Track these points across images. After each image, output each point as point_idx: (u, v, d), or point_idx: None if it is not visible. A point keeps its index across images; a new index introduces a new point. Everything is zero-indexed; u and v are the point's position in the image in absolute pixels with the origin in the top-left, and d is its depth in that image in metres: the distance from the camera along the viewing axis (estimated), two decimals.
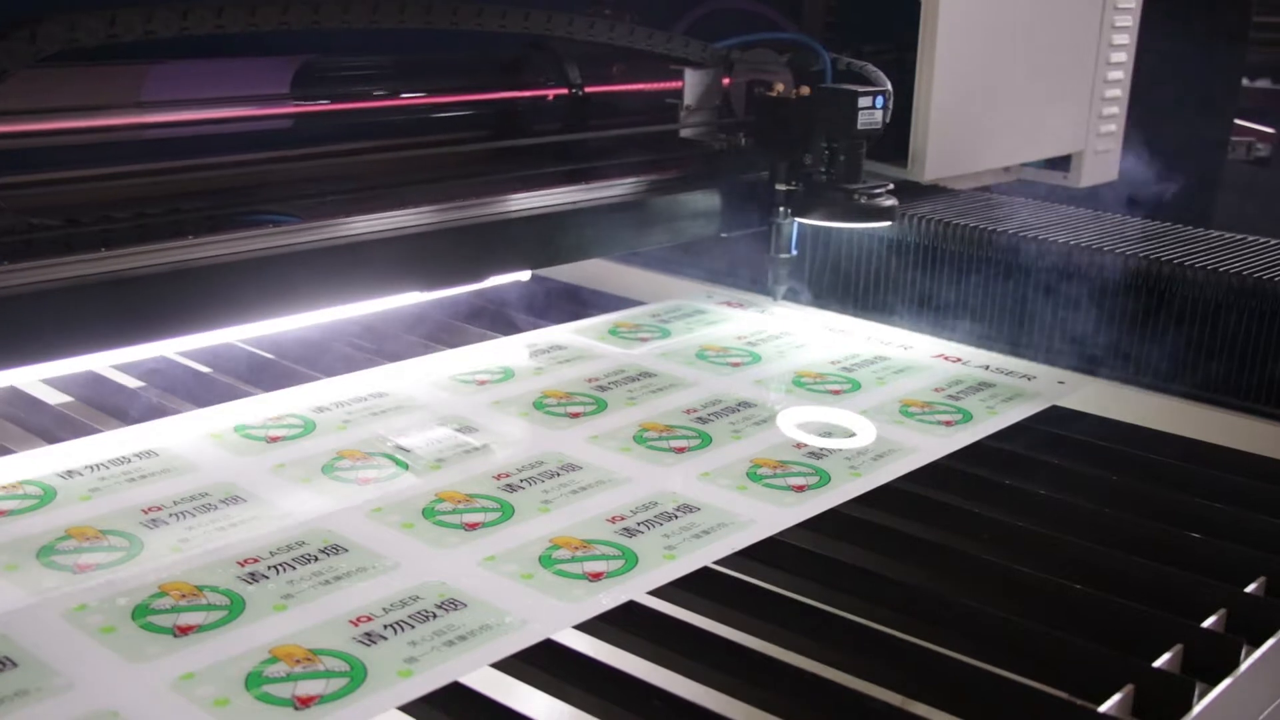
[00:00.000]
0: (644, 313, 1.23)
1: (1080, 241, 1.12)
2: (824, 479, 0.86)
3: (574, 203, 1.06)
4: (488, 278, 1.05)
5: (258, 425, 0.91)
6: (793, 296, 1.25)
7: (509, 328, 1.20)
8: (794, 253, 1.22)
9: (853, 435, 0.93)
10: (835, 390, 1.03)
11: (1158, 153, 1.54)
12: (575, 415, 0.96)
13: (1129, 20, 1.50)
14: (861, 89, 1.13)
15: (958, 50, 1.27)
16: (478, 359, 1.07)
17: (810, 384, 1.04)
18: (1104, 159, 1.54)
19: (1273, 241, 1.15)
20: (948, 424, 0.97)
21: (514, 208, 1.02)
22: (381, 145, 1.09)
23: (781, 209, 1.19)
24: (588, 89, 1.18)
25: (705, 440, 0.92)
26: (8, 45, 0.76)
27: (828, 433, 0.93)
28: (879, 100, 1.13)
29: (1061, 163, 1.50)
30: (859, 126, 1.13)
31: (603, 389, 1.01)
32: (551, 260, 1.12)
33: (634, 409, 0.97)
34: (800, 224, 1.19)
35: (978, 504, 0.85)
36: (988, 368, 1.10)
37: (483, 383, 1.02)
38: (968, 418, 0.98)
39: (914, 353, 1.13)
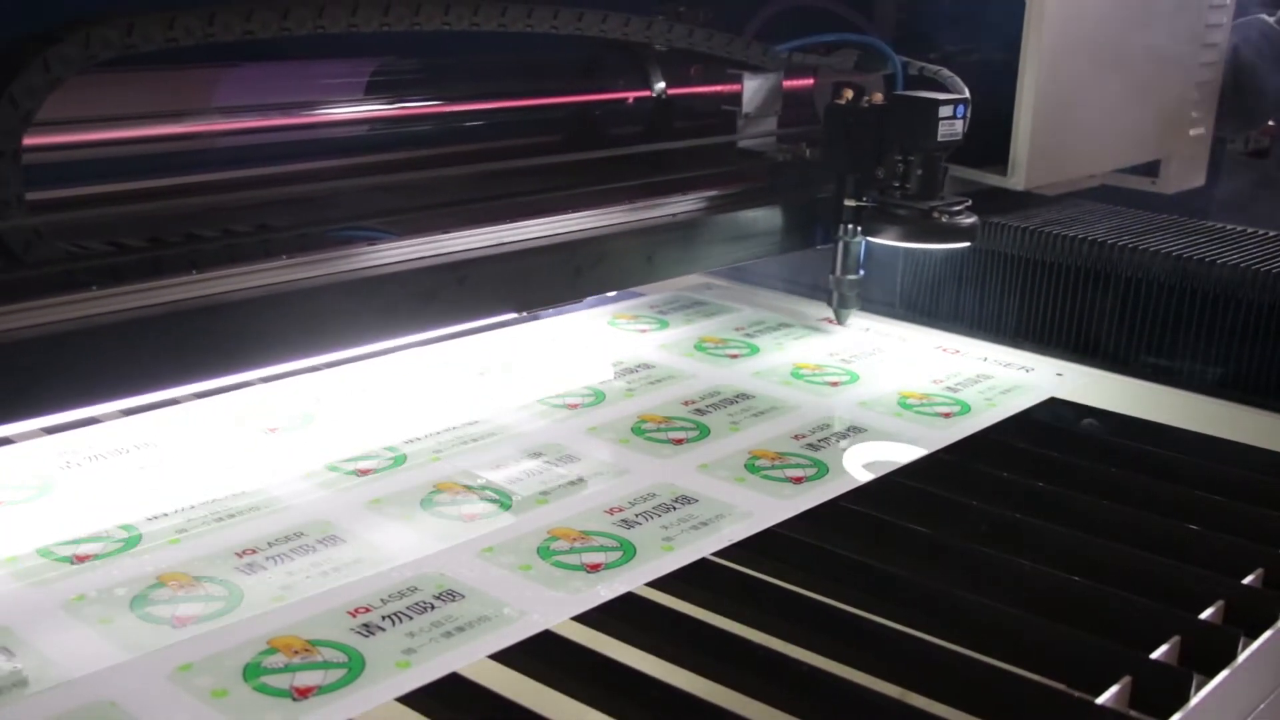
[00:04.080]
0: (642, 304, 1.23)
1: (1074, 234, 1.12)
2: (822, 471, 0.86)
3: (672, 215, 1.02)
4: (585, 298, 0.99)
5: (257, 417, 0.91)
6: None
7: (508, 320, 1.20)
8: (861, 273, 1.14)
9: None
10: (834, 382, 1.03)
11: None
12: (573, 407, 0.96)
13: (1223, 18, 1.45)
14: (942, 96, 1.05)
15: (1059, 54, 1.20)
16: (476, 352, 1.07)
17: (809, 376, 1.04)
18: (1192, 163, 1.49)
19: (1272, 233, 1.15)
20: (946, 416, 0.97)
21: (612, 222, 0.98)
22: (455, 153, 1.05)
23: (849, 226, 1.11)
24: (670, 91, 1.13)
25: (703, 432, 0.92)
26: (61, 50, 0.71)
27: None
28: (959, 109, 1.05)
29: (1148, 168, 1.46)
30: (939, 138, 1.04)
31: (601, 380, 1.01)
32: (646, 278, 1.06)
33: (632, 400, 0.97)
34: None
35: (976, 496, 0.85)
36: (985, 359, 1.10)
37: (482, 375, 1.02)
38: (966, 409, 0.98)
39: (912, 345, 1.13)
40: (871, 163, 1.09)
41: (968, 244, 1.10)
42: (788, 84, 1.20)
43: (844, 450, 0.89)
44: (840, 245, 1.13)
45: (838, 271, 1.14)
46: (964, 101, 1.06)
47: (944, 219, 1.07)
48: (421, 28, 0.88)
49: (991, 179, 1.23)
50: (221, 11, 0.77)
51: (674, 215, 1.03)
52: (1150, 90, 1.36)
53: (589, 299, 1.25)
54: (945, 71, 1.12)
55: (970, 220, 1.08)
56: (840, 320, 1.17)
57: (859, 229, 1.11)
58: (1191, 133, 1.46)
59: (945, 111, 1.04)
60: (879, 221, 1.09)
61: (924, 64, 1.13)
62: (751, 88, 1.14)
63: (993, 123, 1.21)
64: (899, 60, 1.12)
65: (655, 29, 1.02)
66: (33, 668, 0.59)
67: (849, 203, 1.10)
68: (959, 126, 1.06)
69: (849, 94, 1.09)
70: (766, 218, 1.10)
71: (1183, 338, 1.06)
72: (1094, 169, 1.35)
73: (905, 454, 0.89)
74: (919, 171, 1.07)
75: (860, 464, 0.87)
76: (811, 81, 1.19)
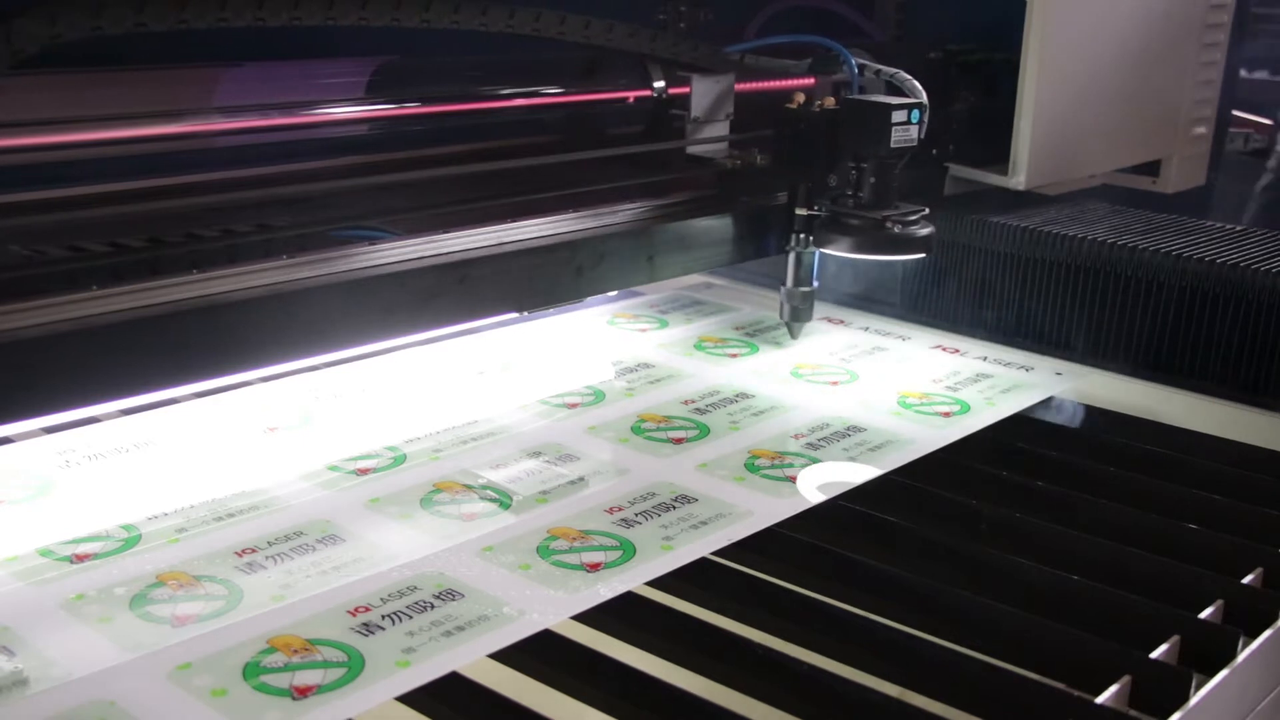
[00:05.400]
0: (642, 303, 1.23)
1: (1074, 234, 1.12)
2: None
3: (672, 215, 1.02)
4: (585, 298, 0.97)
5: (254, 415, 0.91)
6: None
7: (507, 319, 1.20)
8: (815, 285, 1.10)
9: None
10: (833, 382, 1.03)
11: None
12: (573, 406, 0.96)
13: (1223, 18, 1.44)
14: (895, 101, 1.00)
15: (1060, 54, 1.19)
16: (476, 351, 1.07)
17: (809, 375, 1.04)
18: (1193, 163, 1.48)
19: (1270, 233, 1.15)
20: (945, 415, 0.97)
21: (614, 221, 0.97)
22: (455, 153, 1.04)
23: (801, 236, 1.07)
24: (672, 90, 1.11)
25: (703, 431, 0.92)
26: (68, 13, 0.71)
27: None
28: (914, 114, 1.00)
29: (1149, 168, 1.45)
30: (892, 144, 0.99)
31: (601, 380, 1.01)
32: (647, 278, 1.04)
33: (632, 400, 0.97)
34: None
35: (975, 495, 0.85)
36: (985, 359, 1.10)
37: (481, 374, 1.02)
38: (965, 409, 0.98)
39: (912, 344, 1.13)
40: (824, 170, 1.05)
41: (923, 255, 1.06)
42: (787, 84, 1.19)
43: (843, 450, 0.89)
44: (792, 256, 1.08)
45: (789, 283, 1.09)
46: (919, 106, 1.01)
47: (897, 229, 1.02)
48: (430, 25, 0.88)
49: (992, 179, 1.22)
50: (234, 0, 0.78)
51: (674, 215, 1.03)
52: (1150, 90, 1.36)
53: (589, 298, 1.26)
54: (902, 74, 1.07)
55: (926, 230, 1.04)
56: (793, 334, 1.12)
57: (810, 239, 1.07)
58: (1192, 133, 1.46)
59: (899, 116, 1.00)
60: (830, 231, 1.05)
61: (880, 67, 1.09)
62: (700, 90, 1.09)
63: (994, 122, 1.21)
64: (854, 62, 1.08)
65: (594, 29, 1.00)
66: (33, 667, 0.59)
67: (800, 211, 1.06)
68: (914, 132, 1.01)
69: (800, 98, 1.06)
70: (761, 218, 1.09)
71: (1183, 337, 1.06)
72: (1094, 169, 1.35)
73: (905, 454, 0.89)
74: (872, 179, 1.03)
75: (859, 464, 0.87)
76: (812, 81, 1.18)
